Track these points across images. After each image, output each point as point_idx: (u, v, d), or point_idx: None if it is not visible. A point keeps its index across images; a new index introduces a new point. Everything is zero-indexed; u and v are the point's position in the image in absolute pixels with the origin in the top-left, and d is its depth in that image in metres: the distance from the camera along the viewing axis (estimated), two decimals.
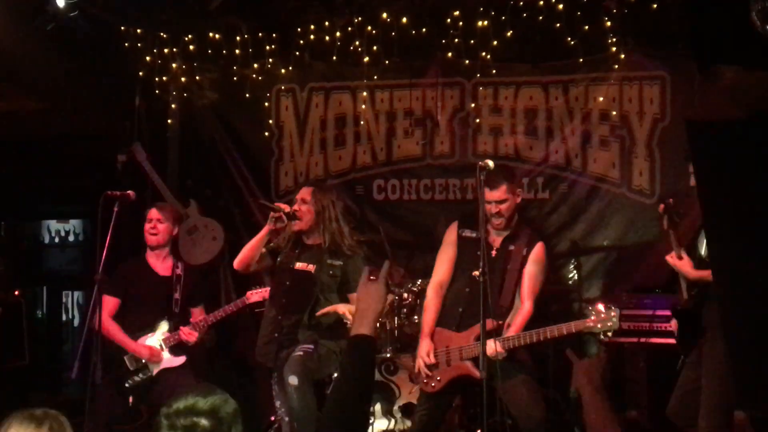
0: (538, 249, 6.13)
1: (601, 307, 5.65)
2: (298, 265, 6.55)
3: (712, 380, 5.88)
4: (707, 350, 5.94)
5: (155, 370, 6.94)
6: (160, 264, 7.15)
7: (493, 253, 6.08)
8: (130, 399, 6.89)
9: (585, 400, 2.72)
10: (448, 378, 6.02)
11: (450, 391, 6.18)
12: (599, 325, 5.62)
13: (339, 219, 6.55)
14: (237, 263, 6.80)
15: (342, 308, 6.30)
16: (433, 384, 6.07)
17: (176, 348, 6.98)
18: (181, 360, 6.98)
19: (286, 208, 6.53)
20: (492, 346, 5.62)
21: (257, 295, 7.12)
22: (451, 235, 6.31)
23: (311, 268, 6.52)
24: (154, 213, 7.08)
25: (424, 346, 6.07)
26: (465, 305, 6.04)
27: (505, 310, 5.96)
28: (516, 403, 5.86)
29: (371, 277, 3.38)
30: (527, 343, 5.78)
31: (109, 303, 6.92)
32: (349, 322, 6.18)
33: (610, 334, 5.72)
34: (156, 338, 6.96)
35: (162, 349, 6.95)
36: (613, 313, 5.61)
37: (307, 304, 6.45)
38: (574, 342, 8.28)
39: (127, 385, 6.91)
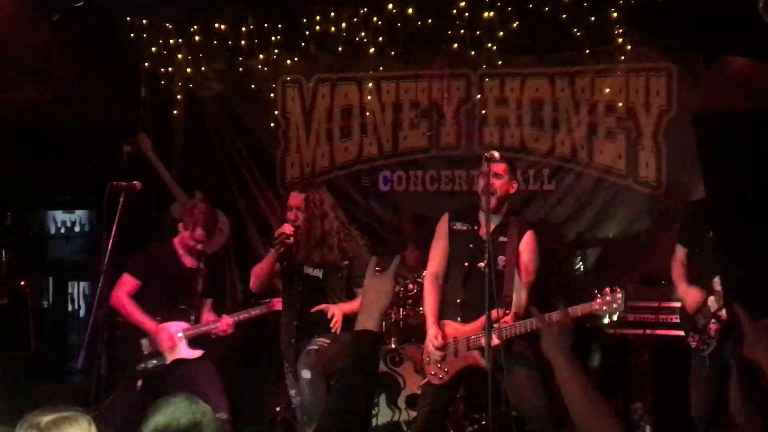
0: (529, 237, 6.10)
1: (606, 289, 5.61)
2: (307, 270, 6.54)
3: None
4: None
5: (169, 359, 6.79)
6: (187, 255, 7.03)
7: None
8: (139, 383, 6.78)
9: (557, 367, 2.74)
10: (455, 369, 6.01)
11: (456, 383, 6.16)
12: (605, 308, 5.53)
13: (331, 218, 6.50)
14: (253, 286, 6.75)
15: (332, 309, 6.32)
16: (441, 375, 6.04)
17: (195, 341, 6.87)
18: (197, 353, 6.84)
19: (290, 229, 6.46)
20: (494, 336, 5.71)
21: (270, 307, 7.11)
22: (442, 228, 6.33)
23: (318, 273, 6.50)
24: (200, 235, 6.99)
25: (432, 331, 6.05)
26: (463, 296, 6.08)
27: (509, 299, 5.93)
28: (517, 393, 5.85)
29: (378, 269, 3.35)
30: (533, 330, 5.72)
31: (129, 282, 6.82)
32: (334, 321, 6.28)
33: (615, 317, 5.68)
34: (177, 327, 6.86)
35: (180, 339, 6.82)
36: (618, 295, 5.53)
37: (323, 311, 6.44)
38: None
39: (138, 368, 6.75)
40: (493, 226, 6.01)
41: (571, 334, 3.09)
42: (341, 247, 6.45)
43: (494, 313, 5.71)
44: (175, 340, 6.80)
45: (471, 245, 6.08)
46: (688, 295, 6.34)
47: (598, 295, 5.59)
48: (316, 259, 6.43)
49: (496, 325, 5.71)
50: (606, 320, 5.66)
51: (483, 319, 5.65)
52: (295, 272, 6.58)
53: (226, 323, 6.85)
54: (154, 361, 6.77)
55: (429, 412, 6.16)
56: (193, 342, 6.86)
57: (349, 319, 6.43)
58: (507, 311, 5.84)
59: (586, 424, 2.78)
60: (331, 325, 6.27)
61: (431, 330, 6.07)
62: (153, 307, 6.85)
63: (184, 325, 6.87)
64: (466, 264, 6.09)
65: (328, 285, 6.48)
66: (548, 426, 5.92)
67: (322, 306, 6.35)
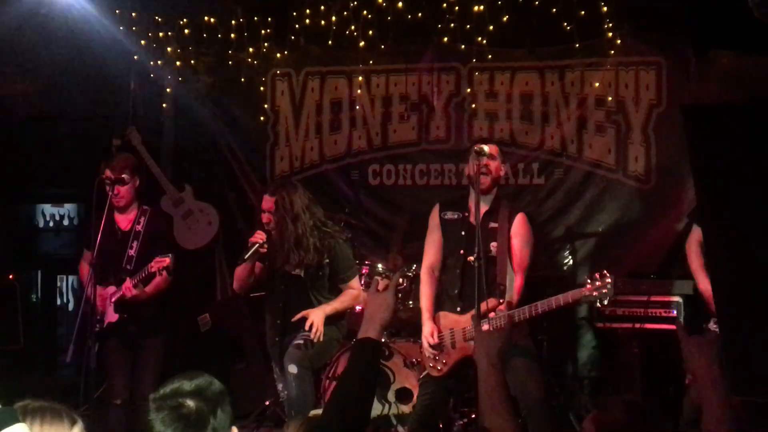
0: (520, 220, 6.04)
1: (596, 275, 5.61)
2: (288, 269, 6.49)
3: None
4: None
5: (105, 323, 6.76)
6: (124, 216, 6.90)
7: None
8: (96, 346, 6.75)
9: (480, 371, 2.86)
10: (453, 360, 5.97)
11: (455, 374, 6.10)
12: (595, 293, 5.53)
13: (305, 219, 6.34)
14: (236, 287, 6.72)
15: (312, 316, 6.28)
16: (439, 367, 6.01)
17: (119, 306, 6.73)
18: (115, 317, 6.73)
19: (261, 237, 6.34)
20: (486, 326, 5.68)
21: (157, 264, 6.56)
22: (434, 219, 6.30)
23: (299, 272, 6.46)
24: (108, 174, 6.72)
25: (427, 328, 6.03)
26: (461, 286, 6.03)
27: (503, 288, 5.88)
28: (514, 381, 5.77)
29: (380, 288, 3.51)
30: (523, 319, 5.69)
31: (85, 254, 6.87)
32: (313, 331, 6.20)
33: (606, 302, 5.67)
34: (109, 291, 6.79)
35: (110, 303, 6.76)
36: (608, 280, 5.51)
37: (305, 309, 6.40)
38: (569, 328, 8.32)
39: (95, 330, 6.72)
40: (482, 212, 5.94)
41: (502, 339, 3.16)
42: (317, 248, 6.36)
43: (488, 303, 5.72)
44: (106, 304, 6.76)
45: (463, 233, 6.05)
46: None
47: (588, 281, 5.59)
48: (293, 262, 6.36)
49: (491, 315, 5.69)
50: (597, 305, 5.66)
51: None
52: (276, 271, 6.53)
53: (125, 286, 6.66)
54: (98, 326, 6.73)
55: (426, 404, 6.12)
56: (119, 306, 6.74)
57: (334, 317, 6.42)
58: (501, 300, 5.79)
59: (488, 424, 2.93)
60: (312, 335, 6.22)
61: (426, 327, 6.05)
62: (104, 274, 6.81)
63: (113, 289, 6.79)
64: (462, 252, 6.04)
65: (310, 283, 6.44)
66: (546, 416, 5.91)
67: (303, 313, 6.29)
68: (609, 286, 5.52)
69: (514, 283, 5.91)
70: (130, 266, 6.78)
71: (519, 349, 5.80)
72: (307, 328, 6.21)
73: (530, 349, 5.95)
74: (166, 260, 6.49)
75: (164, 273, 6.55)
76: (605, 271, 5.58)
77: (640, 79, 8.45)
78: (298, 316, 6.29)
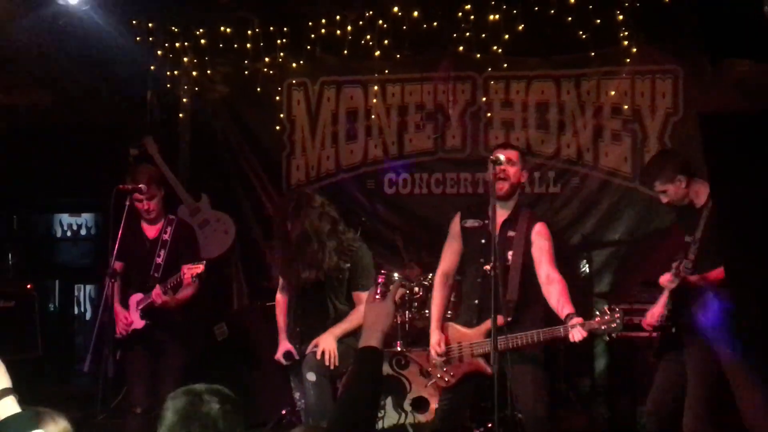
0: (540, 227, 5.88)
1: (606, 308, 5.56)
2: (306, 274, 6.44)
3: (696, 380, 5.78)
4: (689, 353, 5.86)
5: (131, 330, 6.75)
6: (151, 226, 6.92)
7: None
8: (118, 354, 6.70)
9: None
10: (461, 374, 5.94)
11: (466, 383, 6.04)
12: (603, 327, 5.46)
13: (319, 231, 6.22)
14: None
15: (322, 344, 6.20)
16: (446, 379, 5.99)
17: (147, 312, 6.72)
18: (141, 324, 6.72)
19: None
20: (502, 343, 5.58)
21: (190, 271, 6.52)
22: (455, 227, 6.18)
23: (321, 276, 6.42)
24: (137, 195, 6.72)
25: (435, 337, 5.99)
26: (479, 297, 5.91)
27: (513, 304, 5.76)
28: (521, 396, 5.76)
29: (378, 297, 3.56)
30: (530, 343, 5.62)
31: (118, 267, 6.81)
32: (326, 358, 6.11)
33: (614, 335, 5.59)
34: (135, 299, 6.79)
35: (137, 311, 6.74)
36: (617, 315, 5.44)
37: (324, 315, 6.37)
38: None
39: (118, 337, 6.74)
40: (501, 220, 5.84)
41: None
42: (337, 253, 6.30)
43: (500, 320, 5.53)
44: (130, 313, 6.75)
45: (483, 241, 5.88)
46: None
47: (597, 315, 5.52)
48: (313, 264, 6.28)
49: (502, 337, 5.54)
50: (606, 338, 5.59)
51: (486, 323, 5.59)
52: (294, 278, 6.48)
53: (155, 293, 6.62)
54: (121, 333, 6.74)
55: (446, 407, 6.11)
56: (146, 313, 6.73)
57: (347, 335, 6.37)
58: (509, 318, 5.62)
59: None
60: (326, 361, 6.12)
61: (434, 336, 6.01)
62: (132, 283, 6.86)
63: (140, 296, 6.78)
64: (481, 261, 5.88)
65: (329, 288, 6.39)
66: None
67: (314, 342, 6.22)
68: (618, 321, 5.44)
69: (555, 281, 5.74)
70: (158, 274, 6.77)
71: (527, 356, 5.75)
72: (318, 357, 6.14)
73: (539, 356, 5.88)
74: (200, 267, 6.46)
75: (196, 281, 6.54)
76: (614, 306, 5.54)
77: (656, 88, 8.45)
78: (310, 347, 6.24)
